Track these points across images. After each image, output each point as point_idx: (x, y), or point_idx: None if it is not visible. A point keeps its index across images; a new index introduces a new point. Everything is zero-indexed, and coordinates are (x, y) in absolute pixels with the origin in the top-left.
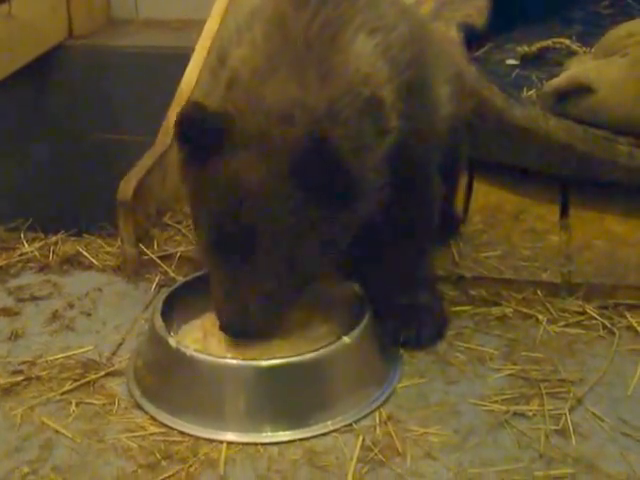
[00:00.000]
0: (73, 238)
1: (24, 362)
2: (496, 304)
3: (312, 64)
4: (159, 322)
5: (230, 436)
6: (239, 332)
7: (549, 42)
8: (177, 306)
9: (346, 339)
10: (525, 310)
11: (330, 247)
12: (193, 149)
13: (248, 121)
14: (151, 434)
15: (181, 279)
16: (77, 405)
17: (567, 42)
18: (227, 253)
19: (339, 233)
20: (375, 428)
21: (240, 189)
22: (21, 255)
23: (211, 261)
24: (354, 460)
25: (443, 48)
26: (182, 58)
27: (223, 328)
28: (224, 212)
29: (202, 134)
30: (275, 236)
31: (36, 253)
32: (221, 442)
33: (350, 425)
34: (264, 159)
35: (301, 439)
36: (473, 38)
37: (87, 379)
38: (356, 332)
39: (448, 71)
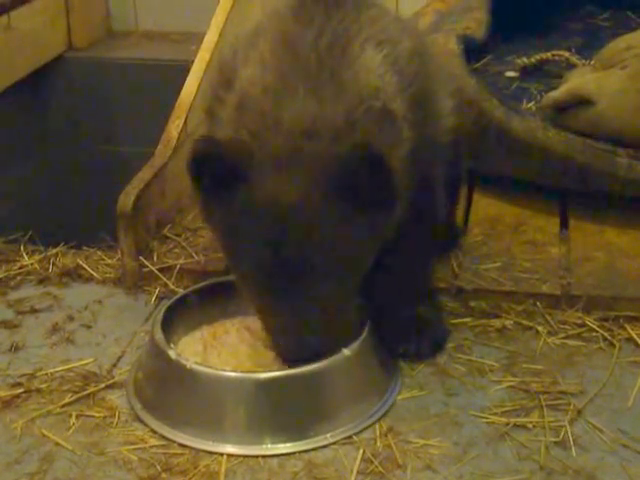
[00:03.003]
0: (73, 250)
1: (24, 375)
2: (496, 316)
3: (326, 80)
4: (159, 334)
5: (230, 448)
6: (302, 359)
7: (548, 54)
8: (177, 318)
9: (346, 351)
10: (525, 322)
11: (373, 252)
12: (213, 185)
13: (269, 143)
14: (151, 446)
15: (181, 291)
16: (77, 418)
17: (566, 54)
18: (279, 279)
19: (380, 238)
20: (375, 440)
21: (282, 212)
22: (21, 268)
23: (260, 290)
24: (354, 472)
25: (443, 62)
26: (182, 70)
27: (286, 358)
28: (269, 239)
29: (220, 167)
30: (327, 251)
31: (36, 265)
32: (221, 454)
33: (350, 437)
34: (299, 178)
35: (301, 451)
36: (472, 50)
37: (87, 392)
38: (356, 344)
39: (450, 85)
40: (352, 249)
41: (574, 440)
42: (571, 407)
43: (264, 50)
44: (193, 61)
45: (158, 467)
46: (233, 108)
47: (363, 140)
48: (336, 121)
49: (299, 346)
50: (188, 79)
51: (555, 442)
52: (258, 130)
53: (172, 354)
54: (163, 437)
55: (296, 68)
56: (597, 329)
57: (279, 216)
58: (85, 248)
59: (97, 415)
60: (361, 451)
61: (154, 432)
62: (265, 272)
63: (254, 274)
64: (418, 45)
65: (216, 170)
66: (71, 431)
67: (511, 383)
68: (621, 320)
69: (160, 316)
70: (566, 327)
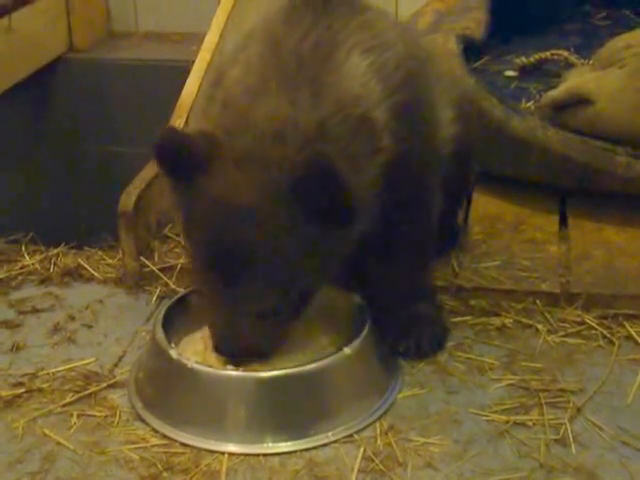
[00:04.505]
0: (74, 250)
1: (25, 374)
2: (496, 314)
3: (304, 83)
4: (160, 334)
5: (231, 447)
6: (233, 352)
7: (547, 54)
8: (178, 318)
9: (347, 350)
10: (525, 320)
11: (328, 264)
12: (175, 173)
13: (237, 140)
14: (153, 445)
15: (182, 291)
16: (79, 417)
17: (565, 54)
18: (221, 273)
19: (336, 250)
20: (376, 438)
21: (232, 209)
22: (22, 268)
23: (204, 281)
24: (355, 470)
25: (445, 69)
26: (182, 71)
27: (216, 349)
28: (217, 232)
29: (180, 158)
30: (271, 255)
31: (37, 266)
32: (222, 453)
33: (351, 436)
34: (256, 178)
35: (302, 450)
36: (472, 50)
37: (88, 391)
38: (356, 343)
39: (452, 93)
40: (300, 257)
41: (574, 438)
42: (571, 405)
43: (252, 52)
44: (194, 61)
45: (159, 466)
46: (219, 105)
47: (320, 154)
48: (307, 126)
49: (230, 341)
50: (189, 79)
51: (555, 440)
52: (232, 128)
53: (173, 354)
54: (164, 436)
55: (276, 70)
56: (596, 327)
57: (227, 214)
58: (86, 248)
59: (98, 414)
60: (362, 449)
61: (155, 431)
62: (208, 267)
63: (200, 266)
64: (415, 51)
65: (176, 160)
66: (72, 430)
67: (511, 381)
68: (620, 318)
69: (161, 316)
70: (565, 325)
